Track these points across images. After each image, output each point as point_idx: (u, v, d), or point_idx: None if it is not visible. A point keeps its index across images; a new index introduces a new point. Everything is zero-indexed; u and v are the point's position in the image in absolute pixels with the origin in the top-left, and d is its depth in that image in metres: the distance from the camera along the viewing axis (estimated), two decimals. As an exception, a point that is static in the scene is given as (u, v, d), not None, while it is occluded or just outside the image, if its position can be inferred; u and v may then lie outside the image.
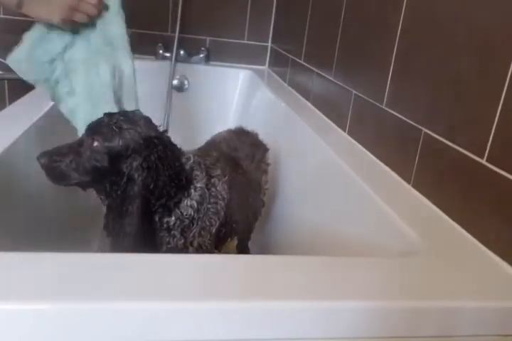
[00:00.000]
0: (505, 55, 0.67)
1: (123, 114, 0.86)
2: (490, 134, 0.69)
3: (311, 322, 0.52)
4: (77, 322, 0.48)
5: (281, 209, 1.30)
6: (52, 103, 1.14)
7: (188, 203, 0.87)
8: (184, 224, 0.87)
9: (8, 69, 0.98)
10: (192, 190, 0.88)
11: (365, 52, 1.14)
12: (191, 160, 0.89)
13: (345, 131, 1.21)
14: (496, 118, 0.68)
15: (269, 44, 2.19)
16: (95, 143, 0.81)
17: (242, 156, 1.16)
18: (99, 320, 0.48)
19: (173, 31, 2.05)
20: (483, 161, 0.70)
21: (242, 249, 1.35)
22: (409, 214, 0.77)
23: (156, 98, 2.06)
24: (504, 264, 0.64)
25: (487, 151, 0.70)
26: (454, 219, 0.76)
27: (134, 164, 0.80)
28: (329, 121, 1.33)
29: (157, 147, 0.82)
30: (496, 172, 0.68)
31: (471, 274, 0.62)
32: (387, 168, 0.97)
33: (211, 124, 2.05)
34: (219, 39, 2.16)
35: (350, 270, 0.60)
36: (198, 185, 0.89)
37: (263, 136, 1.71)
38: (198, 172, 0.89)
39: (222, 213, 0.95)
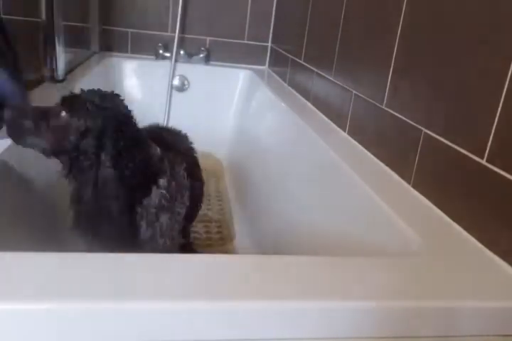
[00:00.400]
0: (505, 54, 0.67)
1: (100, 93, 0.85)
2: (490, 134, 0.69)
3: (311, 322, 0.52)
4: (76, 322, 0.48)
5: (281, 209, 1.30)
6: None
7: (157, 193, 0.87)
8: (151, 215, 0.88)
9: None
10: (161, 180, 0.88)
11: (365, 53, 1.14)
12: (158, 150, 0.89)
13: (345, 131, 1.21)
14: (496, 119, 0.68)
15: (269, 44, 2.19)
16: (62, 114, 0.80)
17: (185, 148, 1.17)
18: (99, 320, 0.48)
19: (173, 31, 2.05)
20: (483, 161, 0.70)
21: (186, 235, 1.31)
22: (409, 214, 0.77)
23: (156, 98, 2.07)
24: (504, 264, 0.64)
25: (487, 151, 0.70)
26: (454, 219, 0.76)
27: (104, 150, 0.79)
28: (329, 121, 1.33)
29: (125, 135, 0.81)
30: (496, 172, 0.68)
31: (471, 274, 0.62)
32: (387, 168, 0.97)
33: (211, 124, 2.05)
34: (219, 39, 2.16)
35: (350, 270, 0.60)
36: (166, 174, 0.89)
37: (263, 136, 1.71)
38: (166, 163, 0.90)
39: (188, 202, 0.95)
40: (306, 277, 0.56)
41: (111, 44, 2.08)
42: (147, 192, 0.86)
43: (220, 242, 1.45)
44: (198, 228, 1.48)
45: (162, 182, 0.88)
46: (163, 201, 0.88)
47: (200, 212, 1.34)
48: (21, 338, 0.48)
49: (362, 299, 0.54)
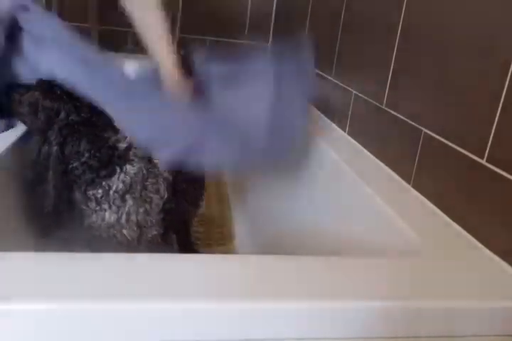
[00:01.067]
0: (505, 55, 0.67)
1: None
2: (490, 134, 0.69)
3: (311, 322, 0.52)
4: (76, 322, 0.48)
5: (281, 209, 1.30)
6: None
7: (121, 178, 0.89)
8: (114, 199, 0.89)
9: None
10: (128, 166, 0.90)
11: (365, 52, 1.14)
12: (127, 138, 0.92)
13: (345, 131, 1.21)
14: (496, 118, 0.68)
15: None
16: (35, 94, 0.88)
17: None
18: (99, 320, 0.48)
19: (173, 31, 2.05)
20: (483, 161, 0.70)
21: (187, 234, 1.31)
22: (409, 214, 0.77)
23: (156, 98, 2.06)
24: (504, 264, 0.64)
25: (487, 151, 0.70)
26: (454, 219, 0.76)
27: (54, 130, 0.86)
28: (329, 121, 1.33)
29: (80, 119, 0.87)
30: (496, 172, 0.68)
31: (471, 274, 0.62)
32: (387, 168, 0.97)
33: (211, 124, 2.05)
34: (219, 39, 2.16)
35: (350, 270, 0.60)
36: (136, 161, 0.91)
37: (263, 136, 1.70)
38: (136, 151, 0.92)
39: (166, 195, 0.96)
40: (306, 277, 0.56)
41: (111, 44, 2.08)
42: (108, 176, 0.89)
43: (220, 242, 1.45)
44: (198, 228, 1.48)
45: (129, 168, 0.90)
46: (127, 186, 0.89)
47: (201, 212, 1.34)
48: (21, 338, 0.48)
49: (362, 299, 0.54)
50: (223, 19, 2.13)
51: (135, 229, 0.93)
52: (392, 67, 0.99)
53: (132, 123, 0.91)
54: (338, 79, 1.30)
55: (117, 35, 2.08)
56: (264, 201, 1.46)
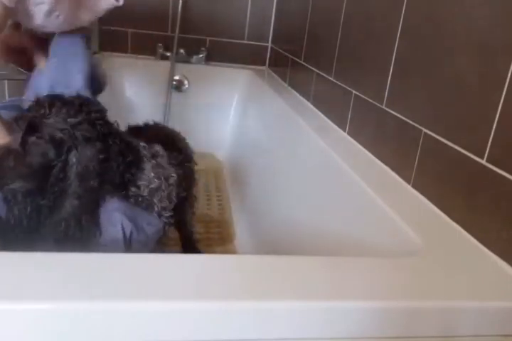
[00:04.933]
0: (505, 55, 0.67)
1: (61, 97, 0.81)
2: (490, 134, 0.69)
3: (311, 322, 0.52)
4: (76, 322, 0.48)
5: (281, 209, 1.30)
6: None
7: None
8: None
9: (8, 69, 0.99)
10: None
11: (365, 52, 1.14)
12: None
13: (345, 131, 1.21)
14: (496, 118, 0.68)
15: (269, 44, 2.19)
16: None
17: (182, 144, 1.20)
18: (98, 320, 0.48)
19: (173, 31, 2.05)
20: (483, 161, 0.70)
21: (186, 243, 1.32)
22: (409, 214, 0.77)
23: (155, 98, 2.07)
24: (504, 264, 0.64)
25: (487, 151, 0.70)
26: (453, 219, 0.76)
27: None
28: (329, 121, 1.33)
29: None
30: (496, 172, 0.68)
31: (471, 274, 0.62)
32: (387, 168, 0.97)
33: (211, 124, 2.06)
34: (219, 39, 2.16)
35: (350, 270, 0.60)
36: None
37: (263, 136, 1.71)
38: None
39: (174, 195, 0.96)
40: (306, 277, 0.56)
41: (111, 44, 2.08)
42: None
43: (220, 242, 1.45)
44: (198, 228, 1.48)
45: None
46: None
47: (201, 212, 1.34)
48: (21, 338, 0.48)
49: (362, 299, 0.54)
50: (223, 19, 2.13)
51: None
52: (392, 67, 0.99)
53: None
54: (338, 79, 1.30)
55: (117, 35, 2.08)
56: (264, 201, 1.46)
